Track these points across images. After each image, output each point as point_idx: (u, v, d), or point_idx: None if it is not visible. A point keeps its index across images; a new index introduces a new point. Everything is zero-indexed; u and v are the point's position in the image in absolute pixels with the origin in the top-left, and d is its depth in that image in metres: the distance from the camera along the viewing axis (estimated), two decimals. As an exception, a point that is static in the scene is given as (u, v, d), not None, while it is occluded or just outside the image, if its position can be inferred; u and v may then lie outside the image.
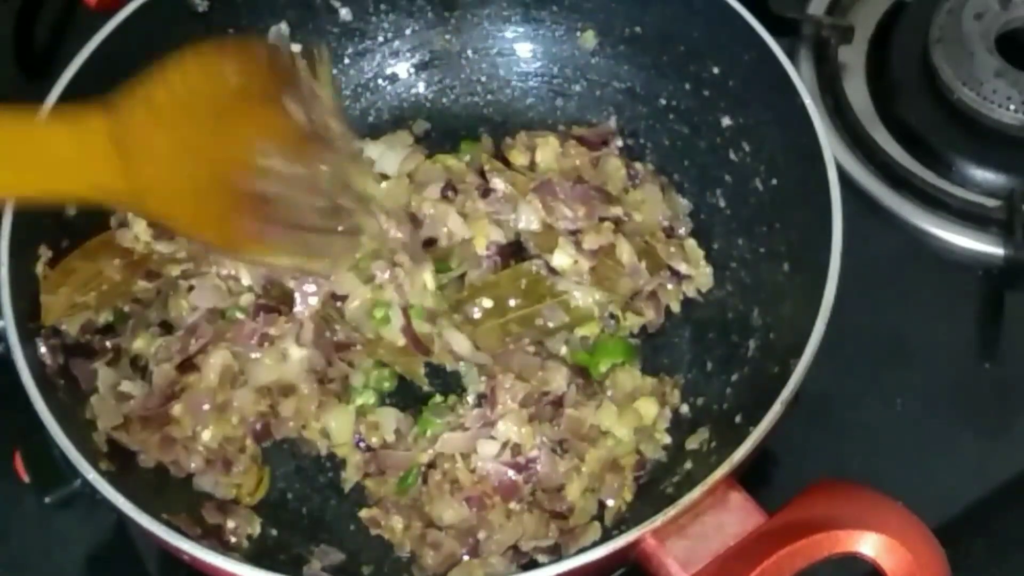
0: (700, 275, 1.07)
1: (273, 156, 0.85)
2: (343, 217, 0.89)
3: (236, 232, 0.84)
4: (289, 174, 0.85)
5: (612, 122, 1.15)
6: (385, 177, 1.10)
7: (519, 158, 1.11)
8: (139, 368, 1.00)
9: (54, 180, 0.78)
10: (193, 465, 0.97)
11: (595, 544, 0.86)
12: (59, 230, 1.00)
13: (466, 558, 0.95)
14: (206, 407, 0.98)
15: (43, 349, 0.94)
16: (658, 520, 0.84)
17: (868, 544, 0.81)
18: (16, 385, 0.89)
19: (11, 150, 0.75)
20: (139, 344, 1.01)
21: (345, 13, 1.16)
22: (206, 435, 0.98)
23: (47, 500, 0.93)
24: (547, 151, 1.10)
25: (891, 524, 0.82)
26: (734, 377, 1.01)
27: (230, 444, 0.99)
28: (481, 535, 0.95)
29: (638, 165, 1.11)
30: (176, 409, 0.98)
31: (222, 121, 0.83)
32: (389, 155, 1.11)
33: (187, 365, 1.00)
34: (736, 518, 0.85)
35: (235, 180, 0.83)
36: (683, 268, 1.06)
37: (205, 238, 0.85)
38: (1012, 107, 1.14)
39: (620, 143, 1.14)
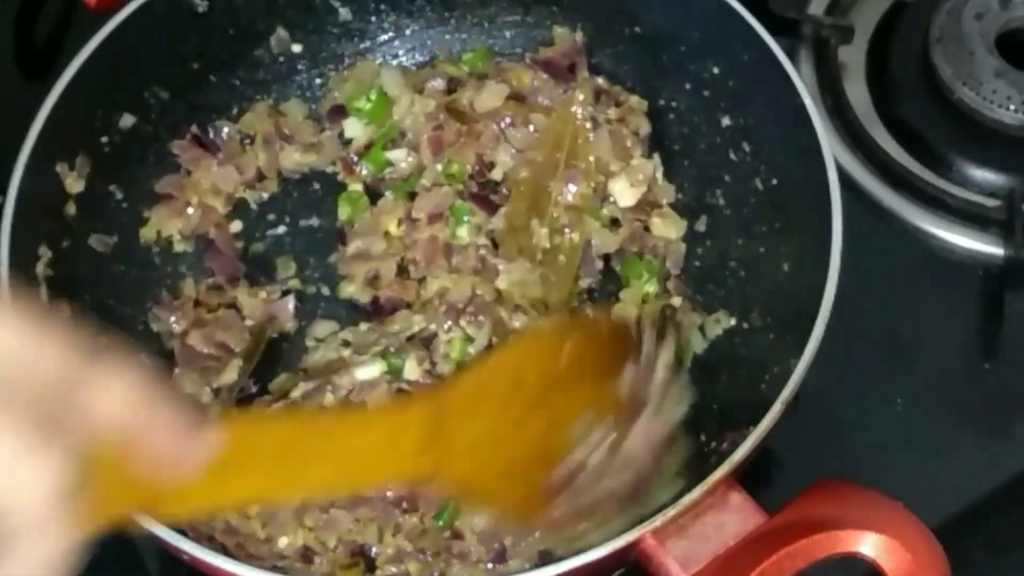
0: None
1: (591, 433, 0.82)
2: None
3: (532, 510, 0.82)
4: (601, 452, 0.82)
5: (578, 38, 1.13)
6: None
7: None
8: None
9: (363, 473, 0.76)
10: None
11: (595, 544, 0.85)
12: (59, 230, 1.00)
13: (490, 566, 0.94)
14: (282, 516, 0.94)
15: None
16: (658, 520, 0.84)
17: (868, 544, 0.81)
18: (16, 385, 0.89)
19: (325, 446, 0.73)
20: None
21: (345, 13, 1.15)
22: (283, 542, 0.94)
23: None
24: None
25: (891, 524, 0.82)
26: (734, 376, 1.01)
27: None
28: (508, 540, 0.94)
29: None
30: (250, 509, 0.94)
31: (545, 402, 0.81)
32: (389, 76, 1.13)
33: None
34: (736, 518, 0.85)
35: (548, 462, 0.81)
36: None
37: (495, 511, 0.84)
38: (1012, 107, 1.14)
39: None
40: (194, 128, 1.10)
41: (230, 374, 1.01)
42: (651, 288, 1.05)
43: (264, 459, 0.69)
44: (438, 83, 1.12)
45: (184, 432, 0.62)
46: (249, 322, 1.04)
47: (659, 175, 1.09)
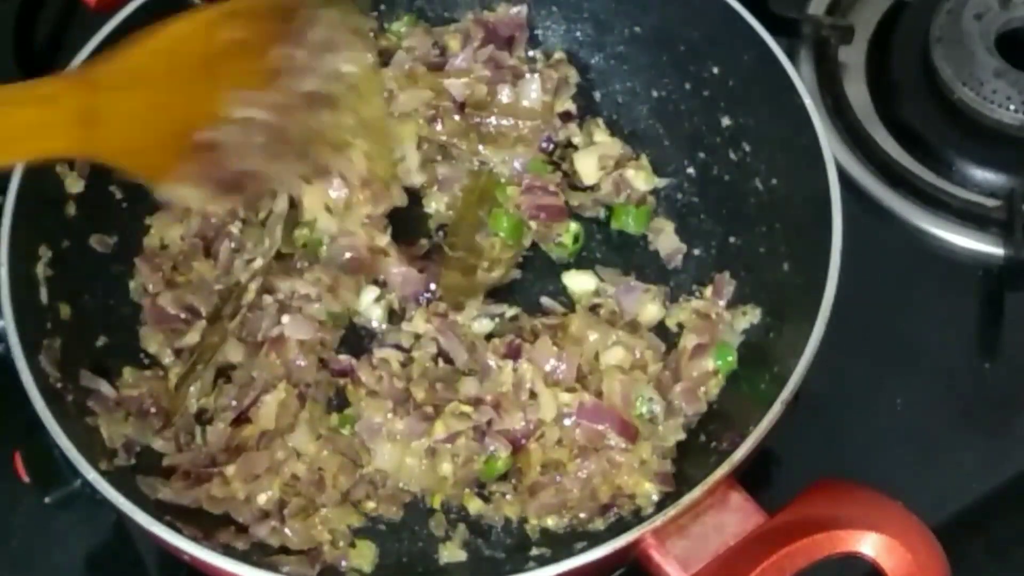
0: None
1: (246, 106, 0.88)
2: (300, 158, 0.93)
3: (175, 172, 0.87)
4: (258, 121, 0.89)
5: (523, 10, 1.15)
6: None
7: None
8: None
9: (11, 148, 0.82)
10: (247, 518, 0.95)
11: (595, 544, 0.85)
12: (59, 230, 1.00)
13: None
14: (259, 472, 0.96)
15: (44, 363, 0.94)
16: (658, 520, 0.84)
17: (868, 544, 0.81)
18: (16, 385, 0.90)
19: None
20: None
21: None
22: (262, 499, 0.96)
23: (47, 500, 0.93)
24: None
25: (891, 524, 0.82)
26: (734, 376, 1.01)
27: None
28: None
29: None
30: (228, 470, 0.96)
31: (200, 77, 0.87)
32: None
33: (241, 419, 0.99)
34: (736, 518, 0.86)
35: (198, 131, 0.87)
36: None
37: (140, 174, 0.88)
38: (1012, 107, 1.14)
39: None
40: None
41: (192, 336, 1.02)
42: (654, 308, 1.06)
43: None
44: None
45: None
46: (218, 286, 1.05)
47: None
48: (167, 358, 1.02)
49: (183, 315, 1.03)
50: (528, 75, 1.12)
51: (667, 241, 1.09)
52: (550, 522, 0.95)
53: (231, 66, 0.88)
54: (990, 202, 1.12)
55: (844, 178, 1.02)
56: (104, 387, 0.97)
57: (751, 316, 1.02)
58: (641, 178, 1.10)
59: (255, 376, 1.00)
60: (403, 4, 1.16)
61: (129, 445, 0.95)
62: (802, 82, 1.01)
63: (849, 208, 0.95)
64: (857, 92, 1.20)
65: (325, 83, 0.93)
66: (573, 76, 1.14)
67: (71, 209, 1.02)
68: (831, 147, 0.98)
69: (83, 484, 0.89)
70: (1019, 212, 1.09)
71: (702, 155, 1.11)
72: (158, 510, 0.89)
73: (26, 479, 0.94)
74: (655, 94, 1.13)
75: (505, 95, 1.12)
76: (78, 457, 0.87)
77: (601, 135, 1.12)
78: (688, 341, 1.01)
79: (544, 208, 1.08)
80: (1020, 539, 1.01)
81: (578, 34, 1.15)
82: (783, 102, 1.01)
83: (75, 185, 1.02)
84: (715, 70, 1.08)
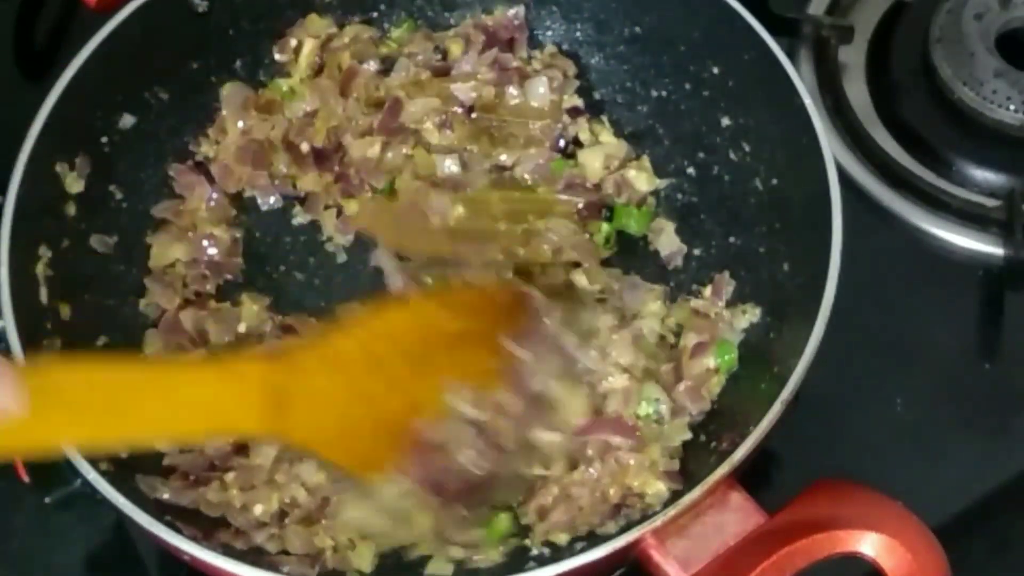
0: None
1: (461, 400, 0.84)
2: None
3: (385, 465, 0.83)
4: (470, 419, 0.84)
5: (520, 12, 1.14)
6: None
7: None
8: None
9: (194, 423, 0.79)
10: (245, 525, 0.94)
11: (595, 544, 0.85)
12: (59, 230, 1.00)
13: None
14: (256, 484, 0.95)
15: None
16: (658, 520, 0.84)
17: (868, 544, 0.81)
18: (16, 385, 0.89)
19: (158, 395, 0.76)
20: None
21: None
22: (257, 509, 0.95)
23: (47, 500, 0.93)
24: None
25: (891, 524, 0.82)
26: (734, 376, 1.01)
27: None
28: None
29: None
30: (227, 476, 0.95)
31: (411, 368, 0.83)
32: None
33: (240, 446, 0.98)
34: (736, 518, 0.86)
35: (406, 426, 0.83)
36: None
37: (341, 463, 0.84)
38: (1012, 107, 1.14)
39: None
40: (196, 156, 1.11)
41: (190, 357, 1.01)
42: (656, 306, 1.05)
43: (91, 403, 0.72)
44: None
45: None
46: (242, 327, 1.04)
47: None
48: None
49: (195, 336, 1.02)
50: (534, 75, 1.12)
51: (667, 241, 1.09)
52: (562, 537, 0.94)
53: (448, 359, 0.85)
54: (990, 202, 1.12)
55: (844, 178, 1.02)
56: None
57: (751, 315, 1.02)
58: (642, 179, 1.10)
59: None
60: (402, 5, 1.16)
61: None
62: (802, 82, 1.00)
63: (849, 208, 0.95)
64: (857, 92, 1.20)
65: (551, 385, 0.90)
66: (571, 69, 1.14)
67: (71, 209, 1.02)
68: (831, 147, 0.98)
69: (83, 484, 0.89)
70: (1019, 212, 1.09)
71: (702, 155, 1.11)
72: (158, 510, 0.89)
73: (26, 479, 0.94)
74: (655, 94, 1.13)
75: (513, 96, 1.12)
76: (78, 457, 0.87)
77: (607, 135, 1.12)
78: (688, 340, 1.01)
79: (586, 206, 1.08)
80: (1020, 539, 1.01)
81: (578, 34, 1.15)
82: (783, 102, 1.01)
83: (75, 185, 1.02)
84: (715, 70, 1.08)
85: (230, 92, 1.11)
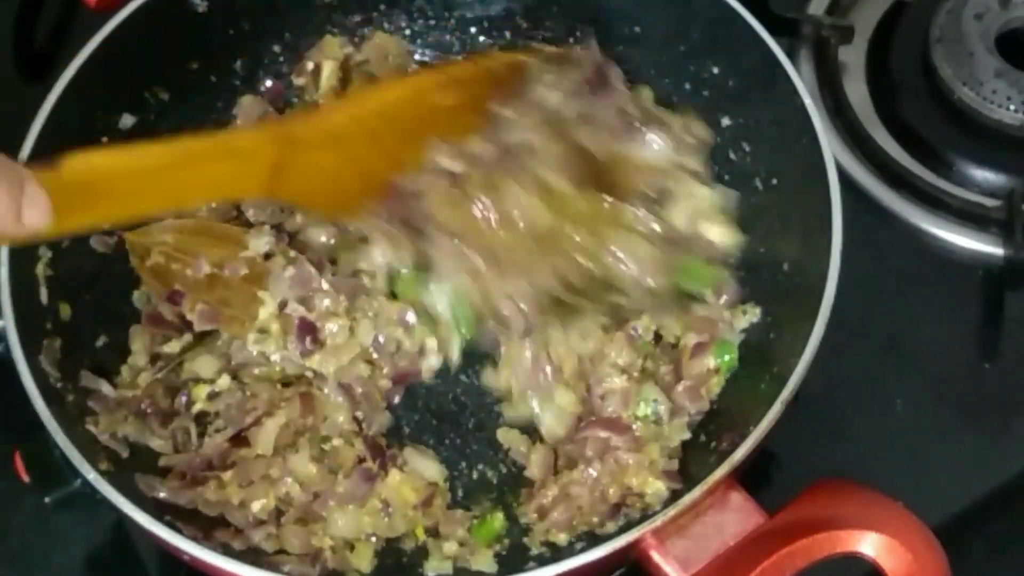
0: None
1: (446, 156, 0.92)
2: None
3: (361, 211, 0.92)
4: (444, 168, 0.92)
5: (594, 47, 1.08)
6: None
7: None
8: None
9: (204, 193, 0.89)
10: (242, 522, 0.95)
11: (595, 544, 0.85)
12: (59, 230, 1.00)
13: None
14: (254, 479, 0.96)
15: (44, 363, 0.94)
16: (658, 520, 0.84)
17: (868, 544, 0.82)
18: (16, 385, 0.89)
19: (172, 172, 0.83)
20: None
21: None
22: (256, 506, 0.96)
23: (47, 500, 0.93)
24: None
25: (891, 524, 0.82)
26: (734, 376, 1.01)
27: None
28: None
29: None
30: (225, 475, 0.96)
31: (402, 138, 0.91)
32: None
33: (239, 438, 0.98)
34: (736, 518, 0.86)
35: (394, 177, 0.90)
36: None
37: (323, 215, 0.94)
38: (1012, 107, 1.14)
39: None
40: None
41: (173, 346, 1.02)
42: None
43: (110, 189, 0.78)
44: None
45: (13, 201, 0.71)
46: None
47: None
48: (142, 360, 1.01)
49: (176, 322, 1.02)
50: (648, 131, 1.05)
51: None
52: (561, 537, 0.94)
53: (436, 126, 0.92)
54: (990, 202, 1.12)
55: (844, 178, 1.02)
56: (104, 387, 0.97)
57: (751, 315, 1.02)
58: (722, 233, 1.04)
59: (258, 396, 1.00)
60: (402, 5, 1.16)
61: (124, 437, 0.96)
62: (802, 82, 1.00)
63: (849, 208, 0.95)
64: (857, 92, 1.20)
65: (530, 134, 0.95)
66: (708, 137, 1.06)
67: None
68: (831, 147, 0.98)
69: (83, 484, 0.89)
70: (1019, 212, 1.09)
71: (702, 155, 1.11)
72: (157, 510, 0.89)
73: (26, 479, 0.94)
74: (654, 94, 1.13)
75: (624, 149, 1.04)
76: (78, 457, 0.87)
77: (698, 187, 1.05)
78: (688, 340, 1.01)
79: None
80: (1020, 539, 1.01)
81: (578, 34, 1.15)
82: (783, 102, 1.01)
83: (75, 185, 1.02)
84: (715, 70, 1.08)
85: (248, 105, 1.12)
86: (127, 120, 1.06)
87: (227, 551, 0.89)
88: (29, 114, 0.99)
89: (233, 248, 1.02)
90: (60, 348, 0.95)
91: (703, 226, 1.05)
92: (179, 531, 0.87)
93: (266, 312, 1.00)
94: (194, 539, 0.86)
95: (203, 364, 1.01)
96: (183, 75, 1.10)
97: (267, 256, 1.03)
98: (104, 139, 1.04)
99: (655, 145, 1.03)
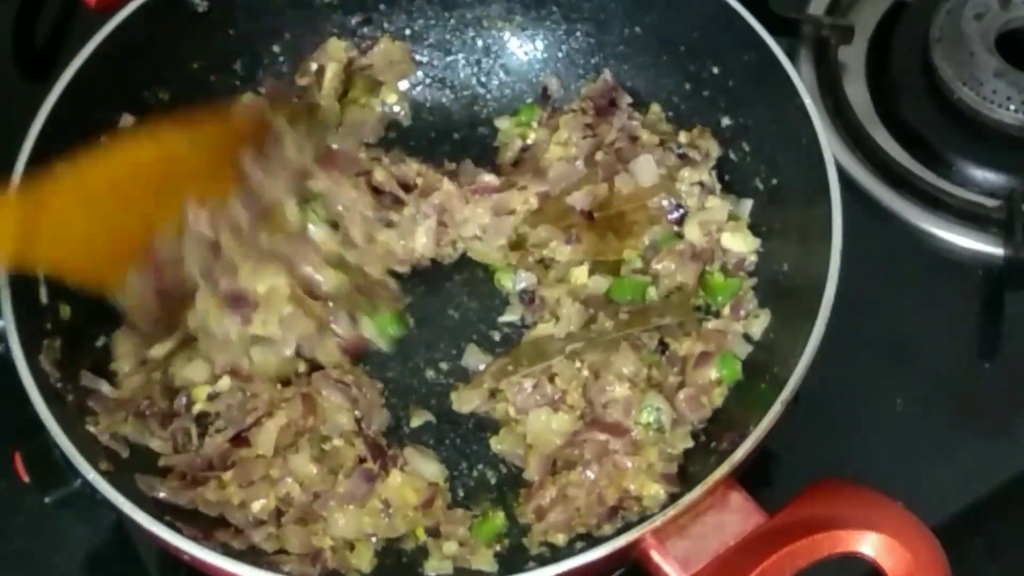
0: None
1: (202, 221, 0.92)
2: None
3: (121, 282, 0.91)
4: (204, 236, 0.93)
5: (608, 76, 1.13)
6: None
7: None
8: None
9: None
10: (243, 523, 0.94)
11: (595, 544, 0.85)
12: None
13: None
14: (254, 479, 0.96)
15: (44, 363, 0.93)
16: (658, 520, 0.84)
17: (868, 544, 0.81)
18: (16, 385, 0.89)
19: None
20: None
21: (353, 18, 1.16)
22: (256, 506, 0.95)
23: (47, 500, 0.93)
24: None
25: (891, 524, 0.82)
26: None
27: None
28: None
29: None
30: (225, 475, 0.96)
31: (154, 197, 0.90)
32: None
33: (240, 439, 0.98)
34: (736, 518, 0.86)
35: (144, 242, 0.90)
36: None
37: (81, 284, 0.91)
38: (1012, 107, 1.14)
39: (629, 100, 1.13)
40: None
41: (158, 350, 1.01)
42: None
43: None
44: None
45: None
46: None
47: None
48: (126, 365, 1.00)
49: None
50: (636, 156, 1.08)
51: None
52: (560, 538, 0.94)
53: (188, 185, 0.92)
54: (990, 202, 1.12)
55: (844, 178, 1.02)
56: (104, 387, 0.97)
57: (763, 319, 1.01)
58: (739, 240, 1.05)
59: (258, 396, 0.99)
60: (402, 5, 1.16)
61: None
62: (802, 82, 1.01)
63: (849, 208, 0.95)
64: (857, 92, 1.20)
65: (283, 195, 0.97)
66: (714, 149, 1.09)
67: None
68: (831, 147, 0.98)
69: (83, 484, 0.89)
70: (1019, 212, 1.09)
71: (702, 155, 1.11)
72: (157, 510, 0.89)
73: (26, 479, 0.94)
74: (655, 94, 1.13)
75: (623, 184, 1.07)
76: (78, 457, 0.87)
77: (713, 199, 1.07)
78: (694, 348, 1.01)
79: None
80: (1020, 539, 1.01)
81: (578, 34, 1.15)
82: (783, 102, 1.01)
83: (75, 185, 1.02)
84: (715, 70, 1.08)
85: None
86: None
87: (227, 551, 0.89)
88: (29, 114, 0.99)
89: None
90: (60, 348, 0.95)
91: (720, 236, 1.05)
92: (179, 531, 0.87)
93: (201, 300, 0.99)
94: (194, 539, 0.86)
95: (195, 369, 1.00)
96: (183, 75, 1.10)
97: None
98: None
99: (652, 168, 1.07)
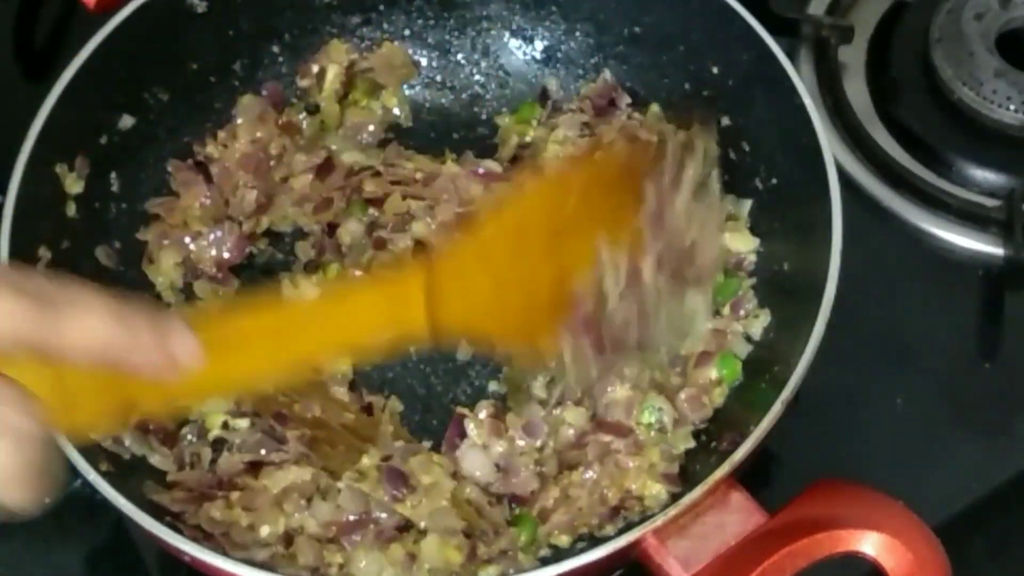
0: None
1: (615, 258, 0.81)
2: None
3: (541, 334, 0.82)
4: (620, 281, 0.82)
5: (607, 76, 1.14)
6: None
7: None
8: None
9: (366, 339, 0.79)
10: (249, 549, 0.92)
11: (596, 544, 0.85)
12: (59, 231, 1.00)
13: None
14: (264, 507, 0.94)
15: None
16: (659, 520, 0.84)
17: (869, 543, 0.81)
18: (16, 385, 0.89)
19: (324, 322, 0.76)
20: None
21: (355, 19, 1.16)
22: (264, 530, 0.93)
23: (47, 500, 0.93)
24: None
25: (892, 523, 0.82)
26: (734, 377, 1.01)
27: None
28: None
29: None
30: (233, 495, 0.94)
31: (559, 236, 0.81)
32: None
33: (257, 464, 0.96)
34: (737, 518, 0.86)
35: (563, 291, 0.81)
36: None
37: (497, 345, 0.84)
38: (1012, 107, 1.14)
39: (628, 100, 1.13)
40: (198, 155, 1.10)
41: None
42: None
43: (253, 344, 0.72)
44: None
45: (163, 343, 0.66)
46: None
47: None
48: None
49: None
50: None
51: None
52: (564, 539, 0.94)
53: (594, 221, 0.81)
54: (990, 202, 1.12)
55: (844, 178, 1.02)
56: None
57: (763, 320, 1.01)
58: (738, 240, 1.05)
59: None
60: (401, 5, 1.16)
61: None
62: (802, 82, 1.00)
63: (849, 208, 0.95)
64: (857, 92, 1.20)
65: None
66: (713, 150, 1.08)
67: (71, 210, 1.01)
68: (831, 147, 0.98)
69: (83, 484, 0.89)
70: (1019, 212, 1.09)
71: (701, 155, 1.11)
72: (158, 511, 0.89)
73: (26, 479, 0.94)
74: (654, 94, 1.13)
75: None
76: (78, 457, 0.87)
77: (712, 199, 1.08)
78: (695, 347, 1.01)
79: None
80: (1020, 539, 1.01)
81: (577, 34, 1.15)
82: (783, 102, 1.01)
83: (75, 186, 1.02)
84: (715, 70, 1.08)
85: (248, 105, 1.12)
86: (127, 120, 1.06)
87: (227, 552, 0.89)
88: (29, 114, 0.99)
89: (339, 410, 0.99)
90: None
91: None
92: (179, 531, 0.87)
93: (368, 461, 0.96)
94: (194, 539, 0.86)
95: (212, 403, 0.98)
96: (183, 75, 1.10)
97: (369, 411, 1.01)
98: (104, 139, 1.04)
99: None
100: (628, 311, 0.82)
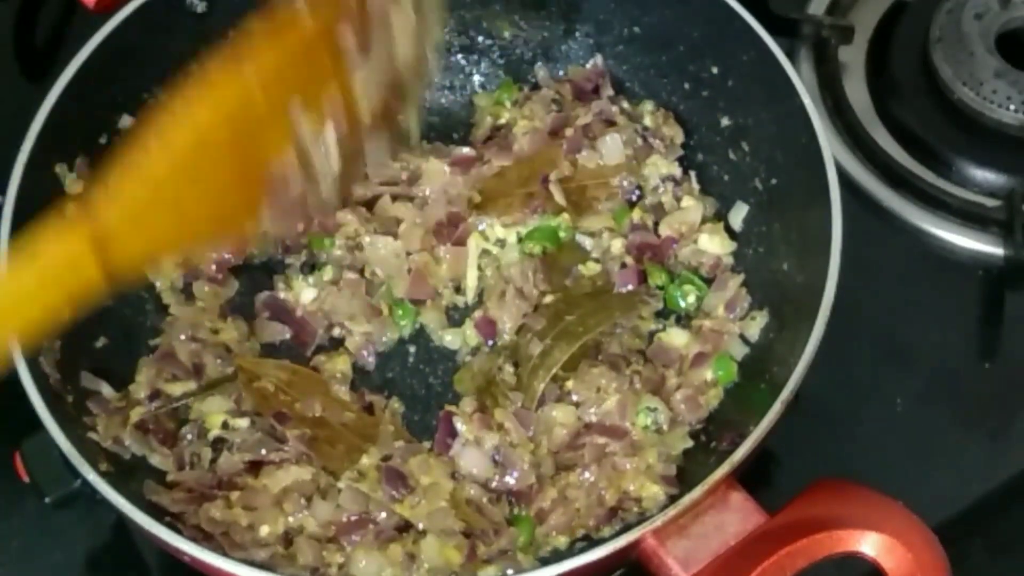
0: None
1: (313, 139, 0.80)
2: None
3: (240, 220, 0.81)
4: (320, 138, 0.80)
5: (598, 61, 1.14)
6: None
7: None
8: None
9: (35, 315, 0.76)
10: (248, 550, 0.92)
11: (595, 544, 0.85)
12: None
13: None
14: (265, 506, 0.94)
15: (44, 364, 0.93)
16: (659, 520, 0.84)
17: (868, 544, 0.81)
18: (16, 385, 0.89)
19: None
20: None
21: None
22: (264, 530, 0.93)
23: (47, 500, 0.93)
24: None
25: (891, 524, 0.82)
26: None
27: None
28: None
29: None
30: (233, 495, 0.94)
31: (249, 131, 0.79)
32: None
33: (256, 464, 0.96)
34: (737, 518, 0.86)
35: (254, 178, 0.79)
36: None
37: (205, 235, 0.83)
38: (1012, 107, 1.14)
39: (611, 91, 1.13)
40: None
41: (176, 388, 1.00)
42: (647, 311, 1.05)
43: None
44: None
45: None
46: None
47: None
48: (142, 392, 0.99)
49: (187, 365, 1.01)
50: (604, 135, 1.09)
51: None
52: (561, 540, 0.94)
53: (284, 105, 0.80)
54: (990, 202, 1.12)
55: (844, 178, 1.02)
56: (105, 389, 0.97)
57: (760, 320, 1.01)
58: (715, 243, 1.05)
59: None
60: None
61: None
62: (802, 82, 1.01)
63: (849, 208, 0.95)
64: (857, 92, 1.20)
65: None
66: (679, 136, 1.10)
67: (70, 210, 1.01)
68: (831, 147, 0.98)
69: (83, 484, 0.89)
70: (1019, 212, 1.09)
71: (702, 155, 1.11)
72: (158, 511, 0.89)
73: (26, 479, 0.94)
74: (654, 94, 1.13)
75: (587, 160, 1.09)
76: (78, 457, 0.87)
77: (689, 199, 1.08)
78: (691, 348, 1.01)
79: (650, 247, 1.06)
80: (1020, 539, 1.01)
81: (577, 34, 1.15)
82: (783, 102, 1.01)
83: (74, 186, 1.02)
84: (715, 70, 1.08)
85: None
86: (127, 120, 1.06)
87: (227, 552, 0.89)
88: (29, 114, 0.99)
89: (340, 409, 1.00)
90: (60, 348, 0.95)
91: (696, 237, 1.06)
92: (179, 532, 0.87)
93: (368, 461, 0.97)
94: (194, 540, 0.86)
95: (212, 403, 0.99)
96: (183, 75, 1.10)
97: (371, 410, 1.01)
98: (104, 139, 1.04)
99: (618, 146, 1.08)
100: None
